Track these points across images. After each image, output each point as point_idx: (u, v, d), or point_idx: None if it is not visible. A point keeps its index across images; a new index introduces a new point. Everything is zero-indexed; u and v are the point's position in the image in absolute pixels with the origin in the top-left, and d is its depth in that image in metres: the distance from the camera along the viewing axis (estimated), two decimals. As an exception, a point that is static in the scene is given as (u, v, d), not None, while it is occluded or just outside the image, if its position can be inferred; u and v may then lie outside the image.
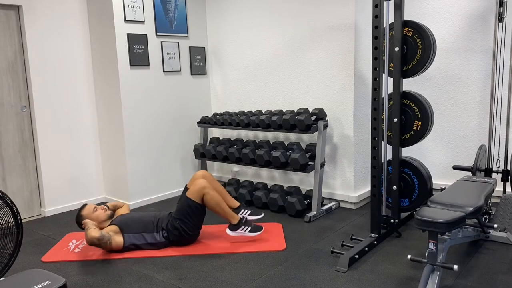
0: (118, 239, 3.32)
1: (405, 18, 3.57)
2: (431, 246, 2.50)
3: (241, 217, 3.50)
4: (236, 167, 5.20)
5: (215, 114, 4.91)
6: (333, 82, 4.22)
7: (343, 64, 4.12)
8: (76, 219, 3.49)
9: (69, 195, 4.58)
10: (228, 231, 3.46)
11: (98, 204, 3.66)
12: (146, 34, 4.54)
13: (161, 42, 4.68)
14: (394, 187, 3.61)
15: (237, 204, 3.66)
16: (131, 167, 4.54)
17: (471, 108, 4.29)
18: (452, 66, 4.34)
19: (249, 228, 3.46)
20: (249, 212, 3.64)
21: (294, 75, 4.51)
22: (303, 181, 4.63)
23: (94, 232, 3.18)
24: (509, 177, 3.69)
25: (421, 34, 3.42)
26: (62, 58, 4.42)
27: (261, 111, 4.61)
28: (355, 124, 4.16)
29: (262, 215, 3.67)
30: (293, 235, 3.63)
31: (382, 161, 3.54)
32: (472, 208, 2.58)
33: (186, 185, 3.65)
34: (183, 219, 3.38)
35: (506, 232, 3.29)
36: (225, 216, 3.44)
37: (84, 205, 3.55)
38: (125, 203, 3.88)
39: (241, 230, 3.45)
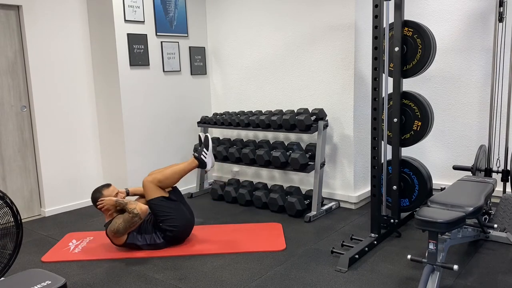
0: None
1: (405, 18, 3.57)
2: (431, 246, 2.50)
3: (194, 155, 3.57)
4: (236, 167, 5.20)
5: (215, 114, 4.91)
6: (333, 82, 4.22)
7: (343, 64, 4.12)
8: (93, 194, 3.40)
9: (69, 195, 4.58)
10: (205, 170, 3.60)
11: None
12: (146, 34, 4.54)
13: (161, 42, 4.68)
14: (394, 187, 3.61)
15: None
16: (131, 167, 4.54)
17: (471, 108, 4.29)
18: (452, 66, 4.34)
19: (204, 150, 3.56)
20: (199, 149, 3.66)
21: (294, 75, 4.51)
22: (303, 181, 4.63)
23: (141, 204, 3.23)
24: (509, 177, 3.69)
25: (421, 34, 3.42)
26: (62, 58, 4.42)
27: (261, 111, 4.61)
28: (355, 124, 4.16)
29: (205, 134, 3.69)
30: (293, 235, 3.63)
31: (382, 161, 3.54)
32: (472, 208, 2.58)
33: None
34: (162, 219, 3.37)
35: (506, 232, 3.29)
36: (188, 169, 3.50)
37: (109, 185, 3.46)
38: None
39: (204, 158, 3.54)
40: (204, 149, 3.57)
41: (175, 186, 3.57)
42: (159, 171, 3.55)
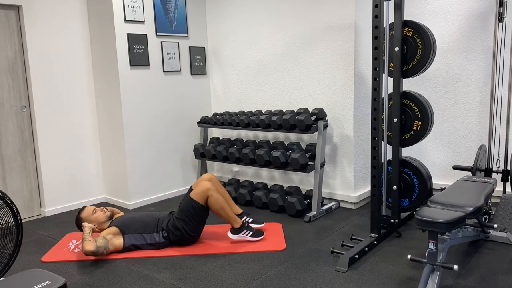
0: (118, 241, 3.32)
1: (405, 18, 3.57)
2: (431, 246, 2.50)
3: (244, 221, 3.52)
4: (236, 167, 5.20)
5: (215, 114, 4.91)
6: (333, 82, 4.22)
7: (343, 64, 4.12)
8: (75, 222, 3.49)
9: (69, 195, 4.58)
10: (230, 234, 3.47)
11: (97, 206, 3.66)
12: (146, 34, 4.54)
13: (161, 42, 4.68)
14: (394, 187, 3.61)
15: (239, 210, 3.70)
16: (131, 167, 4.55)
17: (471, 108, 4.29)
18: (452, 66, 4.34)
19: (251, 233, 3.48)
20: (251, 220, 3.68)
21: (294, 75, 4.51)
22: (303, 181, 4.63)
23: (88, 245, 3.14)
24: (509, 177, 3.69)
25: (421, 34, 3.43)
26: (62, 58, 4.42)
27: (261, 111, 4.61)
28: (355, 124, 4.16)
29: (263, 224, 3.71)
30: (293, 235, 3.63)
31: (382, 161, 3.54)
32: (472, 208, 2.58)
33: (191, 186, 3.64)
34: (186, 220, 3.38)
35: (506, 232, 3.29)
36: (228, 220, 3.44)
37: (83, 208, 3.54)
38: (122, 213, 3.79)
39: (243, 234, 3.46)
40: (253, 234, 3.49)
41: None
42: (216, 187, 3.57)
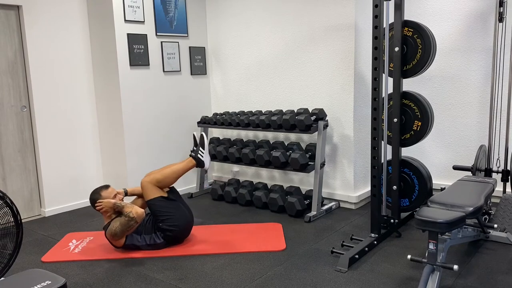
0: None
1: (405, 18, 3.57)
2: (431, 246, 2.50)
3: (191, 155, 3.58)
4: (236, 167, 5.20)
5: (215, 114, 4.91)
6: (333, 82, 4.22)
7: (343, 64, 4.12)
8: (92, 195, 3.40)
9: (69, 195, 4.58)
10: (203, 168, 3.63)
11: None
12: (146, 34, 4.54)
13: (161, 42, 4.68)
14: (394, 187, 3.61)
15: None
16: (131, 167, 4.54)
17: (471, 108, 4.29)
18: (452, 66, 4.34)
19: (200, 150, 3.58)
20: (193, 148, 3.69)
21: (294, 75, 4.51)
22: (303, 181, 4.63)
23: (139, 208, 3.21)
24: (509, 177, 3.69)
25: (421, 34, 3.43)
26: (62, 58, 4.42)
27: (261, 111, 4.61)
28: (355, 124, 4.16)
29: (197, 133, 3.74)
30: (293, 235, 3.63)
31: (382, 161, 3.54)
32: (472, 208, 2.58)
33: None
34: (162, 219, 3.37)
35: (506, 232, 3.29)
36: (186, 169, 3.52)
37: (107, 186, 3.47)
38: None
39: (201, 157, 3.56)
40: (201, 148, 3.59)
41: (173, 186, 3.58)
42: (157, 171, 3.55)
